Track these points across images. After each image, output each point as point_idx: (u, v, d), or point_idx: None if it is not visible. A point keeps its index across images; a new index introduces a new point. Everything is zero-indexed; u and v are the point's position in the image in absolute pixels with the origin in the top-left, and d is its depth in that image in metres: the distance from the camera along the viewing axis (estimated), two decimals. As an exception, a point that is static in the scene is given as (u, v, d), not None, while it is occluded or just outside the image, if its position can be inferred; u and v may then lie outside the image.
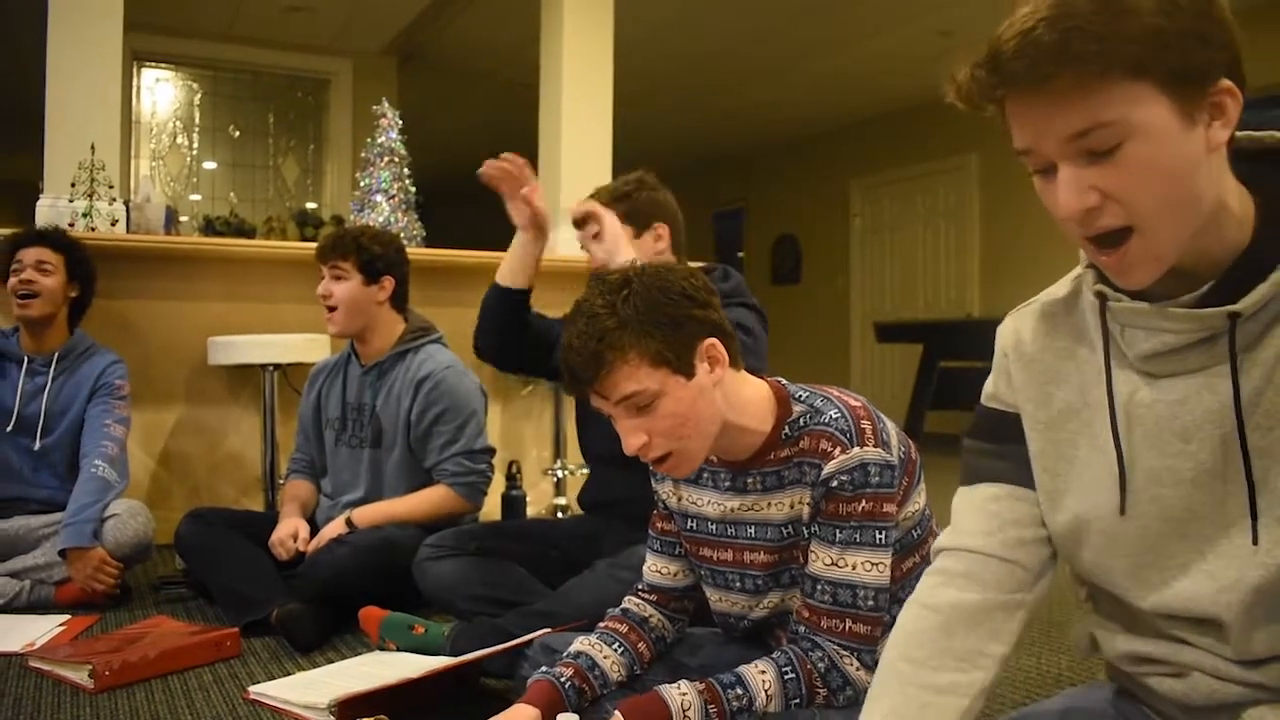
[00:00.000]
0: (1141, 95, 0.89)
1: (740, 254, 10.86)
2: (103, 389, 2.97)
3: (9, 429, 2.90)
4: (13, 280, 2.91)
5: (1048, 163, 0.94)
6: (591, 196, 2.41)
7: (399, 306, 2.83)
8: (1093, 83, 0.88)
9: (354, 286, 2.73)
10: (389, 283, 2.77)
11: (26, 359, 2.95)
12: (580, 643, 1.64)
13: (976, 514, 1.15)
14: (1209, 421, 0.98)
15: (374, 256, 2.74)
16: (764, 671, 1.44)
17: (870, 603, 1.43)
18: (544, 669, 1.60)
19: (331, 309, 2.74)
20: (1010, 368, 1.16)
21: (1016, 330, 1.16)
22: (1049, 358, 1.12)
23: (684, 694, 1.42)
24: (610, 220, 2.28)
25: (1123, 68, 0.88)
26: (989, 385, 1.19)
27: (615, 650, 1.63)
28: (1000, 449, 1.16)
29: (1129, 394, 1.03)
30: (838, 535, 1.44)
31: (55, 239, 3.02)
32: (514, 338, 2.47)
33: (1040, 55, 0.88)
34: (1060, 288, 1.14)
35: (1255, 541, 0.97)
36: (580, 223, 2.36)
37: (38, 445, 2.90)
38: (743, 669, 1.45)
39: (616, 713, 1.42)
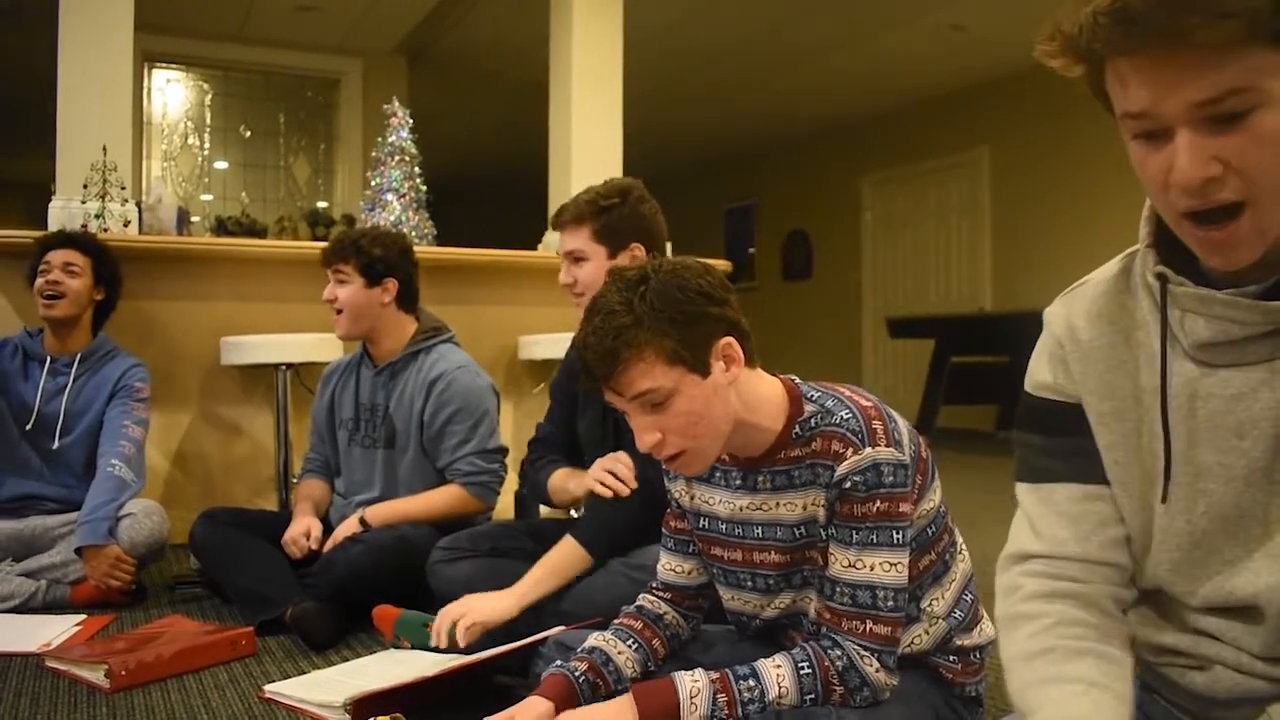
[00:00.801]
0: (1276, 63, 0.83)
1: (751, 250, 10.86)
2: (122, 390, 2.99)
3: (28, 427, 2.92)
4: (39, 281, 2.94)
5: (1162, 127, 0.88)
6: (569, 205, 2.31)
7: (407, 307, 2.82)
8: (1236, 43, 0.82)
9: (356, 290, 2.73)
10: (392, 285, 2.76)
11: (49, 359, 2.98)
12: (595, 638, 1.64)
13: (1061, 519, 1.11)
14: (1265, 419, 0.95)
15: (374, 259, 2.73)
16: (780, 666, 1.43)
17: (890, 603, 1.43)
18: (558, 663, 1.60)
19: (338, 313, 2.75)
20: (1068, 358, 1.11)
21: (1068, 317, 1.11)
22: (1104, 344, 1.08)
23: (695, 681, 1.43)
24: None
25: (1267, 30, 0.82)
26: (1040, 374, 1.14)
27: (629, 646, 1.63)
28: (1061, 444, 1.12)
29: (1185, 383, 1.00)
30: (854, 536, 1.44)
31: (84, 242, 3.06)
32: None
33: (1185, 5, 0.81)
34: (1109, 268, 1.10)
35: None
36: (557, 225, 2.32)
37: (56, 444, 2.92)
38: (759, 662, 1.45)
39: (629, 693, 1.44)
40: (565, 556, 2.11)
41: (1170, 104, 0.86)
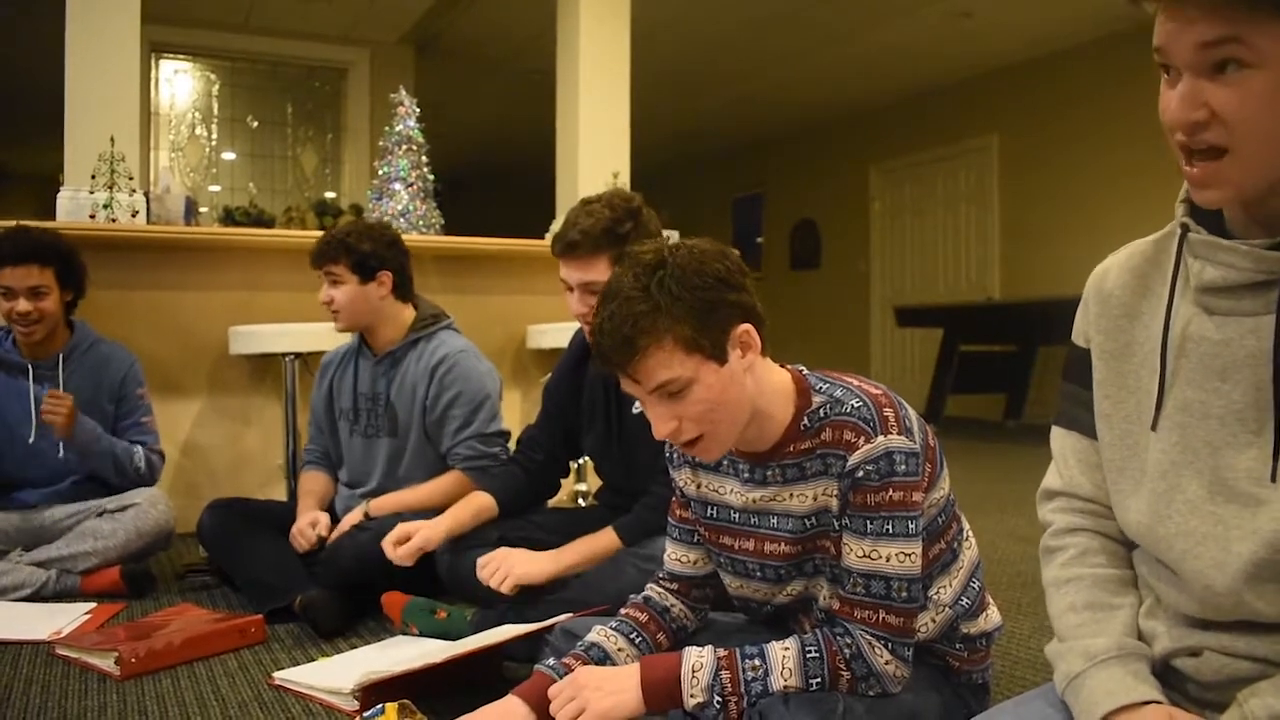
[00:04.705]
0: (1273, 30, 0.91)
1: (759, 239, 10.83)
2: (126, 404, 2.98)
3: (30, 441, 2.86)
4: (6, 306, 2.80)
5: (1173, 65, 0.97)
6: (581, 237, 2.15)
7: (403, 296, 2.81)
8: (1243, 5, 0.90)
9: (352, 289, 2.71)
10: (386, 277, 2.74)
11: (31, 367, 2.90)
12: (597, 632, 1.62)
13: (1080, 465, 1.23)
14: (1247, 365, 1.02)
15: (365, 255, 2.70)
16: (787, 648, 1.43)
17: (904, 594, 1.42)
18: (550, 661, 1.57)
19: (335, 312, 2.74)
20: (1090, 303, 1.21)
21: (1105, 269, 1.21)
22: (1126, 294, 1.17)
23: (701, 655, 1.43)
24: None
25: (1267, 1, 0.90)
26: (1076, 321, 1.24)
27: (632, 640, 1.62)
28: (1083, 394, 1.21)
29: (1184, 324, 1.08)
30: (869, 526, 1.43)
31: (43, 252, 2.82)
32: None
33: None
34: (1156, 234, 1.17)
35: (1274, 479, 1.00)
36: (566, 255, 2.22)
37: (63, 453, 2.88)
38: (768, 644, 1.45)
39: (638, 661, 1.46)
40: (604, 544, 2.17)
41: (1177, 44, 0.95)
